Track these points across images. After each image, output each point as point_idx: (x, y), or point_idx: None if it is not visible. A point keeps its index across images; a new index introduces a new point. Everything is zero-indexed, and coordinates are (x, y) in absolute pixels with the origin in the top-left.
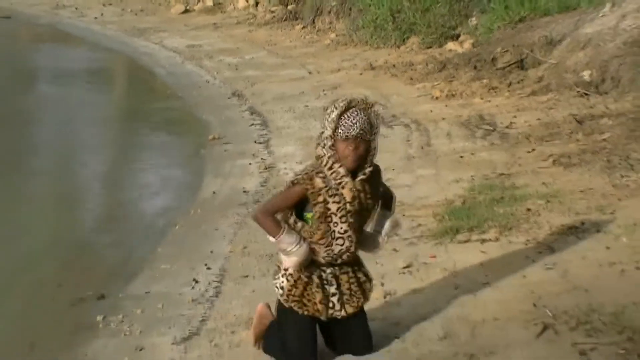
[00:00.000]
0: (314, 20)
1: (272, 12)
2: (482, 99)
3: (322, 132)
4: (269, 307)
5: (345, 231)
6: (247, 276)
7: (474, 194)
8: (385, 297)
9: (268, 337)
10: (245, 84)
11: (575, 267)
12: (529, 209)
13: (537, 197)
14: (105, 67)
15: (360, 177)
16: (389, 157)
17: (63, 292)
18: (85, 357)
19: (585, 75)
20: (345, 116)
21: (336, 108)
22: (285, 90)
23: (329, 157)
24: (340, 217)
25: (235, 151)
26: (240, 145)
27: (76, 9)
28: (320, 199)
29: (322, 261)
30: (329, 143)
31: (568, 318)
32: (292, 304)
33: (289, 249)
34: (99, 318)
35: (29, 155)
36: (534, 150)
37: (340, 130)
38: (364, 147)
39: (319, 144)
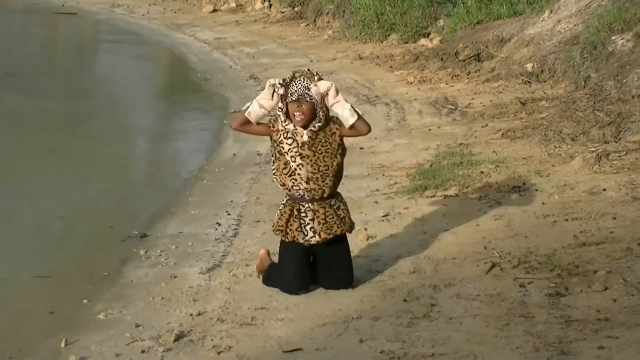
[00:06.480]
0: (315, 20)
1: (282, 12)
2: (446, 84)
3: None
4: (268, 253)
5: (297, 167)
6: (259, 221)
7: (439, 159)
8: (368, 239)
9: (267, 273)
10: (260, 69)
11: (518, 218)
12: (482, 172)
13: (489, 163)
14: (150, 54)
15: (310, 128)
16: (373, 129)
17: (114, 232)
18: (131, 282)
19: (528, 67)
20: (291, 84)
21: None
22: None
23: (279, 116)
24: (291, 157)
25: None
26: None
27: (128, 7)
28: (277, 137)
29: (298, 195)
30: (282, 105)
31: (511, 258)
32: (277, 232)
33: (249, 104)
34: (142, 252)
35: (89, 122)
36: (487, 125)
37: (288, 95)
38: (308, 107)
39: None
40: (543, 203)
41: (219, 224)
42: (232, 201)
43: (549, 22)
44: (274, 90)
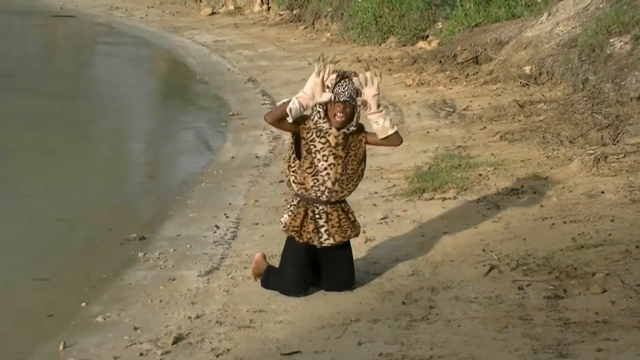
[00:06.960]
0: (313, 23)
1: (281, 15)
2: (445, 87)
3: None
4: (264, 256)
5: (328, 167)
6: (257, 224)
7: (437, 162)
8: (366, 242)
9: (265, 276)
10: (258, 71)
11: (516, 221)
12: (480, 174)
13: (487, 165)
14: (148, 56)
15: (344, 131)
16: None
17: (112, 235)
18: (129, 285)
19: (527, 69)
20: (339, 84)
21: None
22: (290, 77)
23: (317, 113)
24: (323, 156)
25: (250, 125)
26: (253, 120)
27: (126, 10)
28: (308, 135)
29: (314, 196)
30: (322, 103)
31: (509, 261)
32: (292, 233)
33: (286, 100)
34: (141, 255)
35: (87, 124)
36: (485, 128)
37: (333, 95)
38: (350, 110)
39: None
40: (541, 205)
41: (218, 227)
42: (230, 204)
43: (547, 24)
44: (323, 77)
